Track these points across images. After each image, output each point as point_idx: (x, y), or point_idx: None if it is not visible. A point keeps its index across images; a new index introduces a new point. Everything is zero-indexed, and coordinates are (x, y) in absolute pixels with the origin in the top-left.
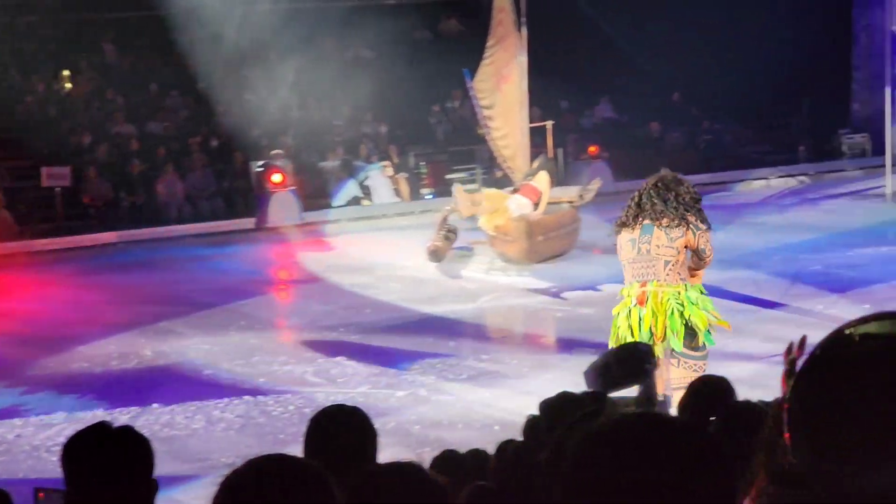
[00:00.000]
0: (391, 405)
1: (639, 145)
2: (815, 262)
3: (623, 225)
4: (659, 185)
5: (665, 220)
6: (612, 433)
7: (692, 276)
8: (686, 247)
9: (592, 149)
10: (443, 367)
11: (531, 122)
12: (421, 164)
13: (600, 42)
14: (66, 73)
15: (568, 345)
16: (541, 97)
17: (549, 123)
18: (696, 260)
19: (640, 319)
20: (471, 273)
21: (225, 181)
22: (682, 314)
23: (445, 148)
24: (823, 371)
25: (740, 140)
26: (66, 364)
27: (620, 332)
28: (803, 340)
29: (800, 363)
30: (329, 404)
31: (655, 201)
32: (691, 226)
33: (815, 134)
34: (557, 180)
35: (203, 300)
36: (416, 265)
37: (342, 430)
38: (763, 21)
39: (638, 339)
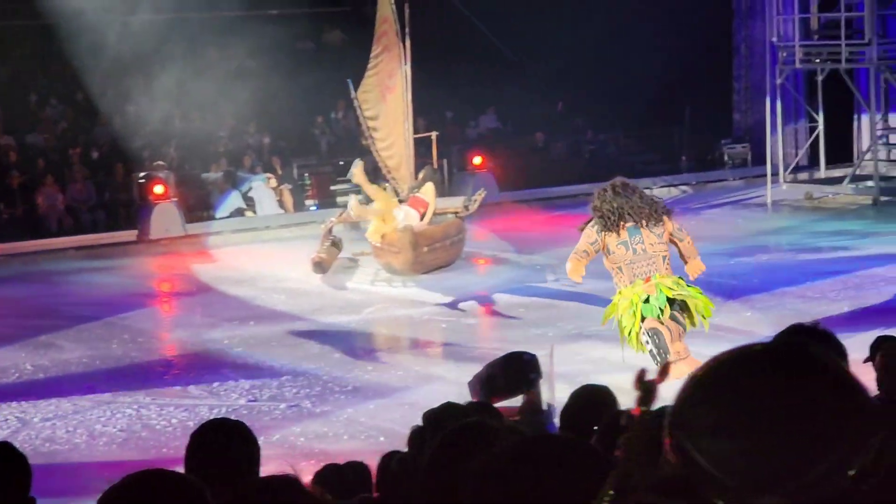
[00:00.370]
0: (275, 418)
1: (523, 155)
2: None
3: (606, 230)
4: (624, 187)
5: (644, 219)
6: (460, 436)
7: (693, 261)
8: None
9: (477, 159)
10: (327, 379)
11: (416, 132)
12: (305, 175)
13: (485, 52)
14: None
15: (453, 355)
16: (425, 108)
17: (433, 134)
18: (684, 245)
19: (652, 305)
20: (356, 284)
21: (106, 193)
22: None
23: (329, 159)
24: (713, 380)
25: (624, 150)
26: None
27: (633, 328)
28: (666, 368)
29: (660, 389)
30: (211, 418)
31: (632, 202)
32: (664, 217)
33: (697, 144)
34: (442, 191)
35: (84, 313)
36: (301, 277)
37: (224, 444)
38: (646, 31)
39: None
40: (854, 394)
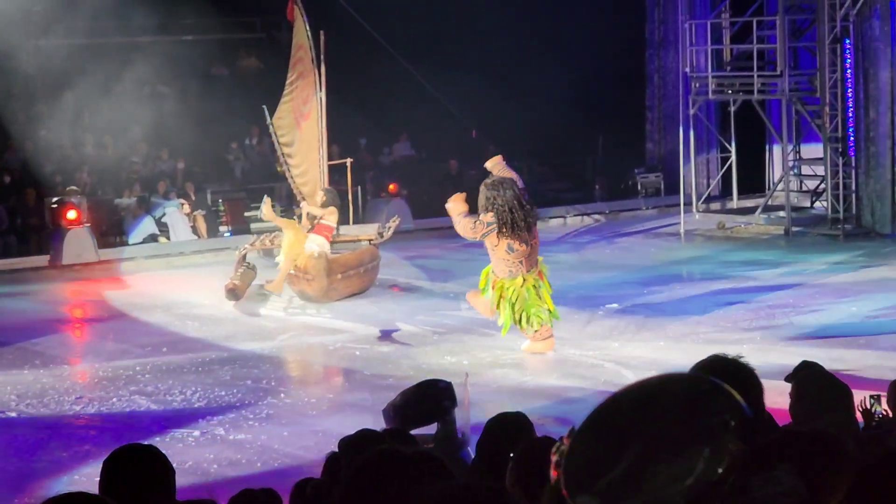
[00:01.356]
0: (188, 445)
1: (438, 182)
2: (611, 299)
3: (515, 229)
4: (516, 188)
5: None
6: (375, 463)
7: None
8: None
9: (391, 186)
10: (240, 406)
11: (330, 159)
12: (219, 201)
13: (399, 79)
14: None
15: (367, 383)
16: (340, 134)
17: (348, 161)
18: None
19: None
20: (269, 311)
21: (18, 218)
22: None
23: (244, 185)
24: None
25: (537, 177)
26: None
27: (535, 312)
28: (572, 431)
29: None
30: (123, 444)
31: (526, 204)
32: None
33: (611, 172)
34: (357, 218)
35: None
36: (214, 303)
37: (137, 468)
38: (559, 59)
39: (553, 310)
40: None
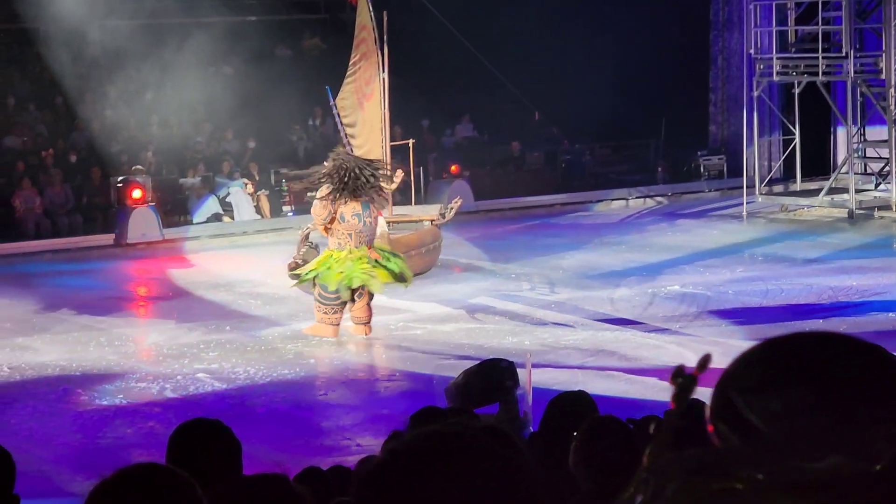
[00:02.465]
0: (251, 422)
1: (499, 164)
2: (672, 281)
3: (344, 193)
4: (358, 164)
5: (374, 196)
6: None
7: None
8: None
9: (453, 168)
10: (303, 384)
11: (393, 140)
12: (282, 181)
13: (462, 61)
14: None
15: (429, 362)
16: (402, 116)
17: (410, 142)
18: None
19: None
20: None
21: (84, 197)
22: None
23: (307, 165)
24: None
25: (599, 160)
26: None
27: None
28: (706, 360)
29: (700, 383)
30: (189, 419)
31: (364, 181)
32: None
33: (673, 155)
34: (418, 199)
35: (61, 316)
36: (277, 282)
37: (204, 442)
38: (623, 42)
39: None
40: None
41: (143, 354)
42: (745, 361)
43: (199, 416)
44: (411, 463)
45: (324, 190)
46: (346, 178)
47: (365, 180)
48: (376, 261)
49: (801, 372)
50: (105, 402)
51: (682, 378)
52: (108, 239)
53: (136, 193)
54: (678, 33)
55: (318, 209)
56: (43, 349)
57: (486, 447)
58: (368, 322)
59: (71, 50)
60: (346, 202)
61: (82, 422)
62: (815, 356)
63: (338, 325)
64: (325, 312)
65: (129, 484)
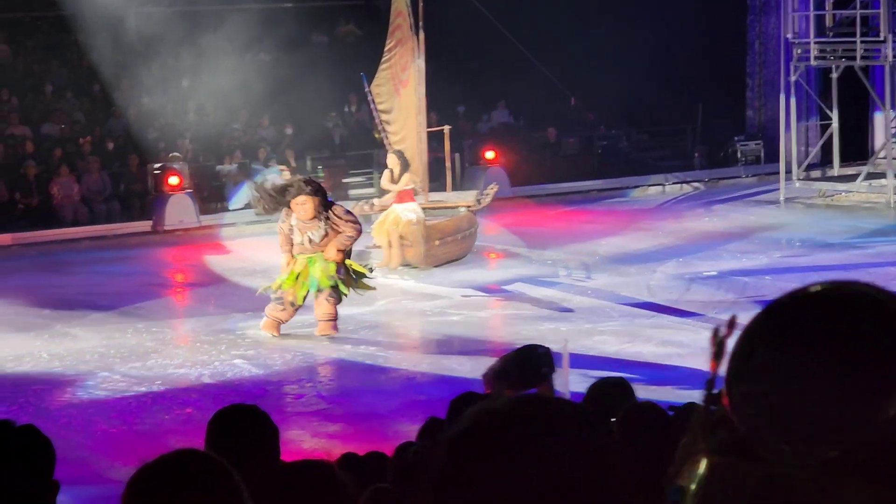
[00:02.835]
0: (288, 408)
1: (535, 150)
2: (710, 267)
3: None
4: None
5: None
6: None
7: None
8: None
9: (489, 154)
10: (339, 370)
11: (428, 126)
12: (318, 168)
13: (497, 46)
14: None
15: (466, 349)
16: (438, 102)
17: (445, 128)
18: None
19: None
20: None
21: (121, 184)
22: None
23: (342, 152)
24: (777, 329)
25: (636, 146)
26: None
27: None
28: (733, 320)
29: (729, 343)
30: (227, 405)
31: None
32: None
33: (710, 140)
34: (454, 185)
35: (99, 303)
36: None
37: (243, 428)
38: (659, 27)
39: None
40: None
41: (180, 341)
42: (747, 347)
43: (236, 401)
44: (506, 426)
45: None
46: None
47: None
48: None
49: (809, 350)
50: (143, 389)
51: (717, 339)
52: (145, 226)
53: (174, 180)
54: (715, 17)
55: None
56: (81, 336)
57: (581, 418)
58: (327, 321)
59: (108, 37)
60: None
61: (120, 408)
62: (823, 323)
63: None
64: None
65: (169, 470)
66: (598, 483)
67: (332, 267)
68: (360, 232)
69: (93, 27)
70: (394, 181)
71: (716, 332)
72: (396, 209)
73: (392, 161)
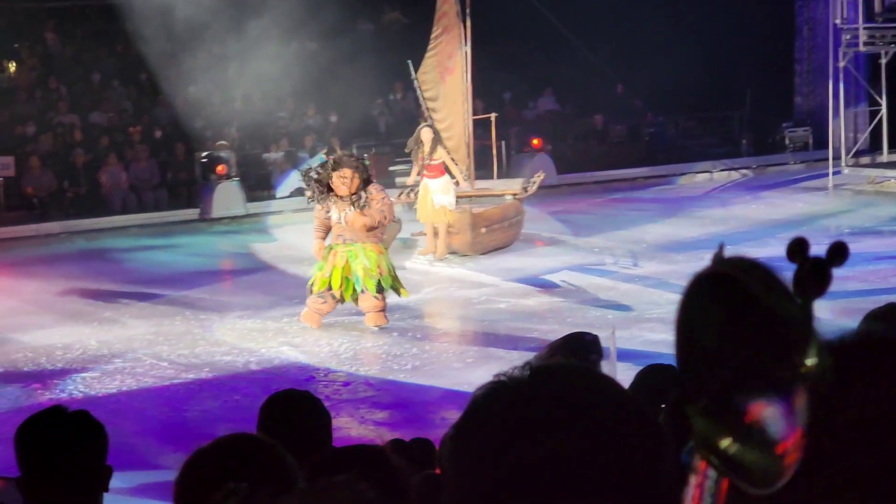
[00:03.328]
0: (335, 394)
1: (582, 138)
2: (758, 254)
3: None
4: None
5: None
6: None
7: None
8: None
9: (535, 141)
10: (386, 357)
11: (474, 114)
12: (364, 156)
13: (544, 33)
14: (8, 62)
15: (512, 336)
16: (484, 89)
17: (492, 115)
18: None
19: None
20: (414, 264)
21: (168, 172)
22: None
23: (388, 140)
24: None
25: (683, 133)
26: (9, 355)
27: (332, 276)
28: (721, 248)
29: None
30: (278, 391)
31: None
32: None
33: (758, 127)
34: (501, 173)
35: (147, 290)
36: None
37: (295, 413)
38: (706, 13)
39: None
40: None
41: (227, 328)
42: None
43: (284, 388)
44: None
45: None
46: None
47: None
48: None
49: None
50: (191, 376)
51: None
52: (192, 213)
53: (221, 168)
54: (763, 3)
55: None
56: (130, 323)
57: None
58: (377, 311)
59: (156, 26)
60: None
61: (169, 395)
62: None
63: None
64: (311, 306)
65: (224, 453)
66: (641, 468)
67: (374, 263)
68: (391, 215)
69: (140, 15)
70: (424, 156)
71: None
72: (430, 188)
73: (427, 135)
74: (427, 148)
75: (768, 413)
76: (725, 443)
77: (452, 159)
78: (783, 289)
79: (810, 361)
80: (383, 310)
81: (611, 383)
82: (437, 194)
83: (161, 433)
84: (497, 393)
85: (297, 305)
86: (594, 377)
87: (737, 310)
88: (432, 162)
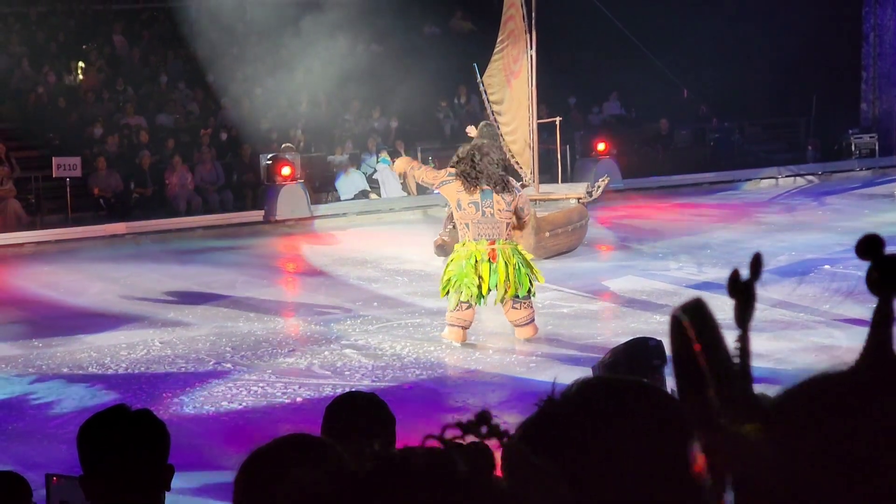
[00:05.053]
0: (396, 397)
1: (647, 143)
2: (823, 261)
3: (468, 181)
4: (487, 152)
5: (498, 185)
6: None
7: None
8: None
9: (601, 146)
10: (449, 361)
11: (539, 118)
12: (429, 158)
13: (609, 38)
14: (76, 63)
15: (575, 341)
16: (549, 93)
17: (557, 120)
18: (517, 220)
19: (491, 272)
20: None
21: (234, 174)
22: (523, 266)
23: (453, 143)
24: None
25: (749, 138)
26: (75, 354)
27: (466, 281)
28: (757, 259)
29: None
30: (341, 393)
31: (491, 168)
32: (515, 189)
33: (824, 133)
34: (565, 177)
35: (211, 292)
36: (423, 259)
37: (359, 415)
38: (772, 19)
39: (487, 289)
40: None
41: (291, 330)
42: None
43: (346, 390)
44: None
45: (451, 170)
46: (472, 170)
47: (481, 170)
48: (489, 260)
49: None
50: (253, 377)
51: (741, 286)
52: (257, 215)
53: (286, 170)
54: (830, 9)
55: (428, 175)
56: (193, 324)
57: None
58: (525, 324)
59: (222, 31)
60: (466, 189)
61: (230, 396)
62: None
63: (460, 327)
64: (452, 322)
65: (282, 453)
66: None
67: (514, 260)
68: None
69: (206, 18)
70: None
71: (734, 274)
72: None
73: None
74: None
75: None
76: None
77: (517, 162)
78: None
79: (749, 427)
80: (533, 320)
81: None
82: None
83: (223, 434)
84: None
85: (361, 308)
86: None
87: (679, 353)
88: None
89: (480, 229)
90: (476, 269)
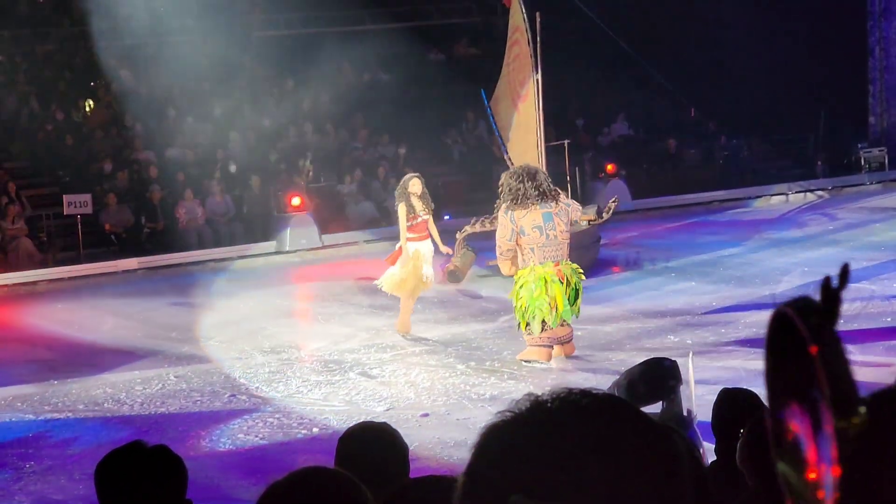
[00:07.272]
0: (413, 426)
1: (656, 162)
2: (835, 277)
3: (518, 208)
4: (536, 174)
5: (555, 207)
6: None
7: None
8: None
9: (610, 167)
10: (464, 387)
11: (547, 141)
12: (439, 184)
13: (615, 59)
14: (84, 101)
15: (590, 363)
16: (557, 116)
17: (565, 142)
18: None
19: (562, 294)
20: (491, 292)
21: (244, 206)
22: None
23: (462, 168)
24: None
25: (758, 155)
26: (89, 390)
27: (538, 304)
28: (846, 270)
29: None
30: (355, 423)
31: (547, 190)
32: (565, 204)
33: (833, 148)
34: (575, 199)
35: (225, 324)
36: (436, 285)
37: (373, 445)
38: (778, 35)
39: (563, 311)
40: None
41: (305, 360)
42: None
43: (361, 420)
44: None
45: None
46: (523, 192)
47: (528, 188)
48: (559, 281)
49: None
50: (269, 409)
51: (832, 294)
52: (268, 247)
53: (296, 201)
54: (835, 23)
55: (499, 232)
56: (207, 357)
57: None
58: (565, 342)
59: (227, 63)
60: (524, 214)
61: (247, 429)
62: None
63: (549, 346)
64: (538, 343)
65: (298, 487)
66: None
67: (573, 279)
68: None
69: (213, 51)
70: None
71: (827, 281)
72: (422, 254)
73: (416, 186)
74: (418, 202)
75: (802, 430)
76: (780, 465)
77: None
78: (837, 342)
79: (855, 419)
80: (571, 338)
81: (629, 409)
82: (427, 264)
83: (240, 466)
84: (506, 427)
85: (375, 337)
86: (614, 405)
87: (785, 351)
88: (418, 220)
89: (546, 252)
90: (547, 290)
